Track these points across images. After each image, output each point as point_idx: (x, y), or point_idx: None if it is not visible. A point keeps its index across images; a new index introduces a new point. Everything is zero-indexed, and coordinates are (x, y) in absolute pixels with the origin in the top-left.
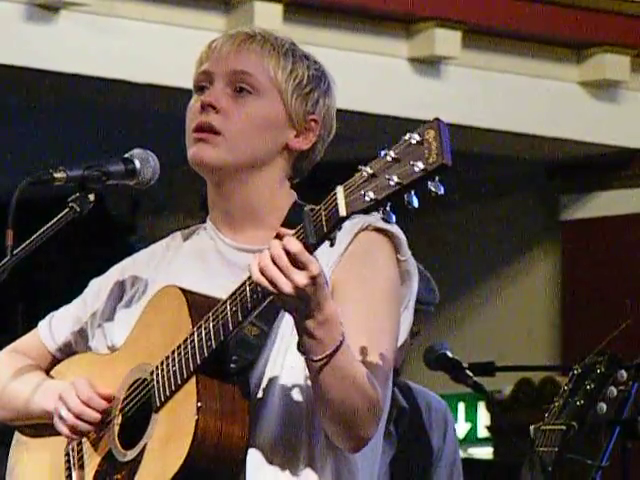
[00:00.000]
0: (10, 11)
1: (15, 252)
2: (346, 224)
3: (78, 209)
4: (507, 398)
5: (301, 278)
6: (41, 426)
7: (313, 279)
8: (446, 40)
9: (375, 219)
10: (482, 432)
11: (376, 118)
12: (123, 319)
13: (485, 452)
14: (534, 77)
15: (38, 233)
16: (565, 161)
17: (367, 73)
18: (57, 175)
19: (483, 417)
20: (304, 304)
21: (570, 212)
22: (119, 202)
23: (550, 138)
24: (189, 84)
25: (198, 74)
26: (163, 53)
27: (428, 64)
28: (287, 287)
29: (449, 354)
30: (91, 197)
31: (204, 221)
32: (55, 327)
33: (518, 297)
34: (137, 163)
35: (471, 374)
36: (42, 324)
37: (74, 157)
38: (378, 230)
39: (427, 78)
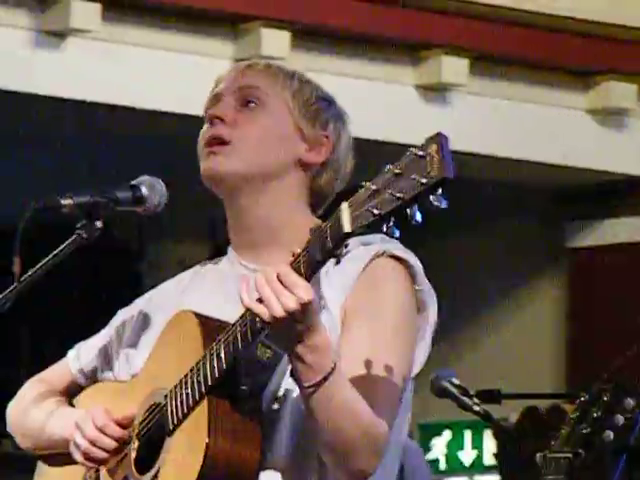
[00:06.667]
0: (17, 37)
1: (22, 279)
2: (362, 250)
3: (85, 236)
4: (514, 426)
5: (291, 302)
6: (61, 456)
7: (304, 305)
8: (453, 67)
9: (392, 246)
10: (488, 460)
11: (382, 145)
12: (145, 346)
13: None
14: (541, 105)
15: (45, 260)
16: (572, 188)
17: (374, 100)
18: (64, 202)
19: (490, 444)
20: (296, 331)
21: (576, 239)
22: (126, 229)
23: (557, 165)
24: (196, 111)
25: (207, 101)
26: (171, 80)
27: (435, 91)
28: (278, 310)
29: (456, 381)
30: (98, 224)
31: (214, 247)
32: (82, 355)
33: (525, 324)
34: (144, 190)
35: (478, 401)
36: (70, 353)
37: (81, 183)
38: (394, 258)
39: (434, 105)
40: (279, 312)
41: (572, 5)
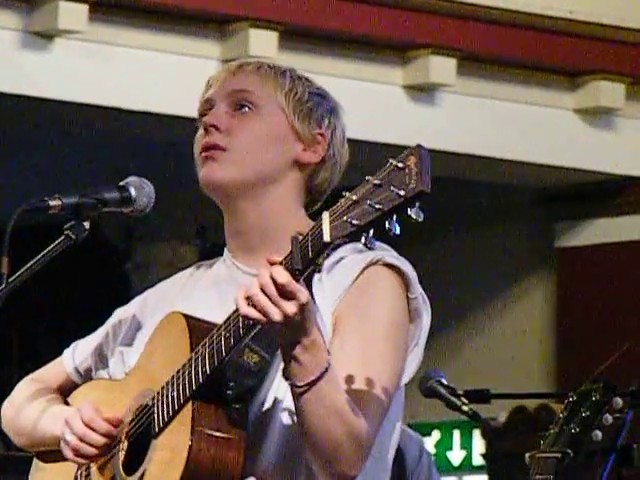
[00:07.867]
0: (5, 38)
1: (10, 280)
2: (356, 257)
3: (73, 237)
4: (502, 425)
5: (290, 307)
6: (55, 452)
7: (302, 307)
8: (441, 67)
9: (386, 254)
10: (477, 460)
11: (371, 145)
12: (140, 346)
13: None
14: (529, 104)
15: (33, 261)
16: (560, 188)
17: (362, 100)
18: (52, 203)
19: (478, 444)
20: (292, 330)
21: (565, 239)
22: (114, 229)
23: (545, 165)
24: (184, 111)
25: (200, 104)
26: (158, 81)
27: (423, 91)
28: (277, 316)
29: (444, 382)
30: (86, 225)
31: (202, 249)
32: (78, 354)
33: (514, 324)
34: (132, 191)
35: (466, 401)
36: (66, 352)
37: (69, 184)
38: (388, 265)
39: (422, 105)
40: (278, 317)
41: (560, 5)
